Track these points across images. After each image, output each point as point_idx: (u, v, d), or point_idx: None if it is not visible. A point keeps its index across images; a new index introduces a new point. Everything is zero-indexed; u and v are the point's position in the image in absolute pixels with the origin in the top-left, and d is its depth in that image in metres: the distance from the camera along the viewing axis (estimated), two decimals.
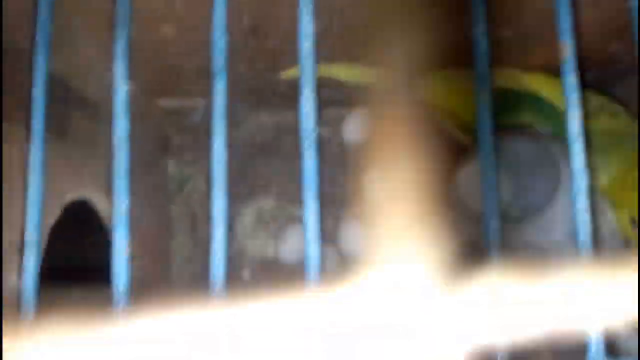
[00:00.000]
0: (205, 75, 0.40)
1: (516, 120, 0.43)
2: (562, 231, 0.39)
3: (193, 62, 0.37)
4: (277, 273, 0.49)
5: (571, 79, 0.17)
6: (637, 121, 0.41)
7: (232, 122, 0.51)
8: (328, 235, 0.48)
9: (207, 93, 0.45)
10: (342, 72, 0.41)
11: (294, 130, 0.50)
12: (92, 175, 0.37)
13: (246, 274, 0.49)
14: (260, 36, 0.32)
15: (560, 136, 0.41)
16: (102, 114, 0.36)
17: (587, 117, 0.40)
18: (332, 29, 0.33)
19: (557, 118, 0.41)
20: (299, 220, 0.49)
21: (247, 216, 0.50)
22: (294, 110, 0.50)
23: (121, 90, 0.19)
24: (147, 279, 0.46)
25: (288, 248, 0.47)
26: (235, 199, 0.50)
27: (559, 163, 0.39)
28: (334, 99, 0.47)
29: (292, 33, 0.32)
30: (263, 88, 0.43)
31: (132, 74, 0.23)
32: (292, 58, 0.37)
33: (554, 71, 0.42)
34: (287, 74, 0.39)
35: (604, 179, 0.39)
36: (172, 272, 0.50)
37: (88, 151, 0.36)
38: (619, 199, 0.39)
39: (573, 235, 0.37)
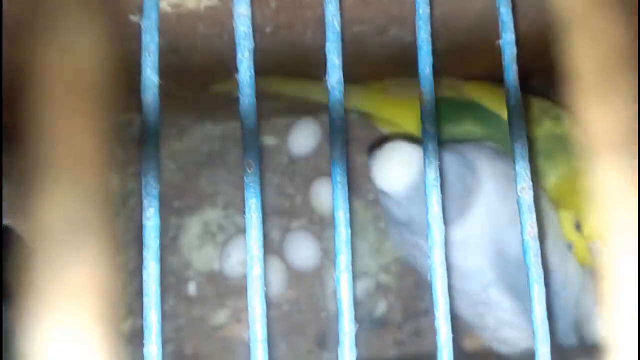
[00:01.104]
0: (132, 91, 0.40)
1: (458, 130, 0.42)
2: (480, 251, 0.38)
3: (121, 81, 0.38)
4: (224, 287, 0.49)
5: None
6: None
7: (176, 133, 0.51)
8: (274, 247, 0.48)
9: (137, 108, 0.45)
10: (283, 85, 0.41)
11: (240, 141, 0.50)
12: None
13: (192, 287, 0.49)
14: (183, 55, 0.33)
15: (503, 145, 0.41)
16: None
17: (531, 122, 0.42)
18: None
19: (500, 126, 0.41)
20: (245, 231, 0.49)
21: (193, 227, 0.49)
22: (239, 121, 0.50)
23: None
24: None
25: (232, 261, 0.47)
26: (180, 209, 0.49)
27: (477, 176, 0.38)
28: (280, 108, 0.47)
29: (212, 51, 0.33)
30: (201, 101, 0.43)
31: None
32: (222, 73, 0.38)
33: (493, 79, 0.44)
34: (218, 88, 0.39)
35: (548, 183, 0.40)
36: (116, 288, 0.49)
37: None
38: (563, 203, 0.40)
39: (497, 255, 0.37)
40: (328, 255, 0.49)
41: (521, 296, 0.38)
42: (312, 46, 0.35)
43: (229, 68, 0.38)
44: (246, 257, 0.47)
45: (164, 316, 0.47)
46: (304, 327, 0.48)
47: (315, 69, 0.40)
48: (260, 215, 0.18)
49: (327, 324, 0.48)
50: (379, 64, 0.39)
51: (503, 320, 0.40)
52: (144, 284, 0.19)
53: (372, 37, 0.34)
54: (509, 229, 0.37)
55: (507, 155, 0.42)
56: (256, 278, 0.18)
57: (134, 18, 0.28)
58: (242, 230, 0.50)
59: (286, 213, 0.49)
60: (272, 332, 0.48)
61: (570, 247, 0.40)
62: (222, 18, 0.30)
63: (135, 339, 0.48)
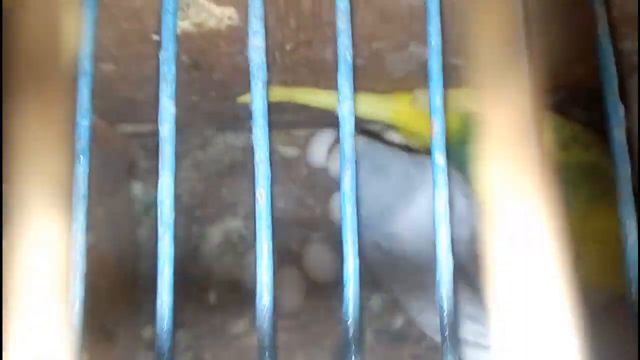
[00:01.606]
0: (154, 104, 0.41)
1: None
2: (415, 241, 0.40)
3: (142, 94, 0.39)
4: (243, 296, 0.49)
5: (435, 85, 0.18)
6: (605, 152, 0.42)
7: (199, 144, 0.52)
8: (293, 258, 0.48)
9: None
10: (303, 96, 0.42)
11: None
12: None
13: (212, 296, 0.49)
14: (206, 70, 0.35)
15: None
16: None
17: (559, 147, 0.41)
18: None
19: None
20: None
21: (214, 236, 0.50)
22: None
23: (83, 125, 0.20)
24: (112, 299, 0.46)
25: (251, 271, 0.48)
26: (202, 219, 0.50)
27: (423, 182, 0.40)
28: (300, 120, 0.48)
29: (232, 65, 0.34)
30: (224, 112, 0.44)
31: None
32: (244, 86, 0.39)
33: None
34: (242, 99, 0.40)
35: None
36: (139, 294, 0.50)
37: None
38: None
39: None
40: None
41: (476, 286, 0.39)
42: (331, 62, 0.36)
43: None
44: None
45: (183, 324, 0.47)
46: (321, 339, 0.48)
47: (335, 83, 0.41)
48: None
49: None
50: (400, 79, 0.39)
51: (463, 311, 0.40)
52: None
53: (390, 53, 0.34)
54: (454, 227, 0.39)
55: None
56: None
57: (156, 37, 0.29)
58: None
59: (306, 224, 0.49)
60: (290, 342, 0.48)
61: None
62: (242, 35, 0.31)
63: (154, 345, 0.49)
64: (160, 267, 0.19)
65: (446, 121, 0.44)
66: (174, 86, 0.18)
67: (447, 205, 0.18)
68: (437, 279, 0.19)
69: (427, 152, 0.46)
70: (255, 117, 0.18)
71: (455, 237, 0.40)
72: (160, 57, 0.19)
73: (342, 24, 0.19)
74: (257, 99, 0.18)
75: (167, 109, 0.18)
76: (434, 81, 0.19)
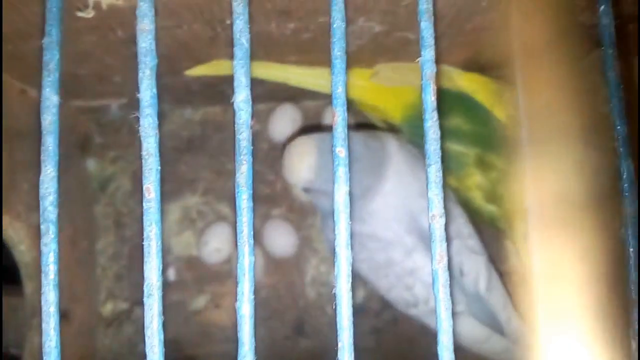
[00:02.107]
0: (101, 78, 0.39)
1: (446, 123, 0.40)
2: (397, 219, 0.40)
3: (85, 69, 0.37)
4: (204, 272, 0.49)
5: (429, 104, 0.17)
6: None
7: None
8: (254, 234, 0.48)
9: (113, 93, 0.44)
10: (261, 71, 0.41)
11: (221, 126, 0.50)
12: None
13: (171, 273, 0.49)
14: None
15: (490, 144, 0.41)
16: None
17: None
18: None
19: (489, 124, 0.41)
20: (226, 218, 0.49)
21: (173, 213, 0.49)
22: (220, 106, 0.50)
23: (51, 104, 0.18)
24: (71, 280, 0.45)
25: (211, 247, 0.47)
26: (160, 195, 0.49)
27: (387, 150, 0.41)
28: (259, 94, 0.46)
29: (172, 39, 0.33)
30: (175, 87, 0.43)
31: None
32: (190, 60, 0.38)
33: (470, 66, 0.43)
34: (192, 72, 0.39)
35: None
36: (97, 272, 0.49)
37: None
38: (522, 211, 0.40)
39: (412, 223, 0.40)
40: (307, 243, 0.48)
41: None
42: (277, 35, 0.34)
43: (197, 55, 0.37)
44: (223, 244, 0.47)
45: (140, 302, 0.47)
46: (282, 314, 0.48)
47: (284, 57, 0.40)
48: (159, 243, 0.17)
49: (305, 311, 0.48)
50: (353, 54, 0.38)
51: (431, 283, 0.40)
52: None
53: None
54: (418, 199, 0.40)
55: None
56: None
57: (80, 13, 0.28)
58: (221, 217, 0.50)
59: (266, 200, 0.49)
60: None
61: (517, 252, 0.40)
62: (178, 10, 0.30)
63: (115, 321, 0.49)
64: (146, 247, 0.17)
65: (404, 96, 0.43)
66: (57, 76, 0.17)
67: (347, 198, 0.17)
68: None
69: (387, 126, 0.45)
70: (142, 106, 0.17)
71: (420, 209, 0.40)
72: (44, 44, 0.18)
73: None
74: (145, 88, 0.17)
75: (51, 99, 0.17)
76: (426, 52, 0.17)
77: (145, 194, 0.17)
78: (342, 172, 0.17)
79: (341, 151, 0.17)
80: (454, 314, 0.41)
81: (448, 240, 0.35)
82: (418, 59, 0.18)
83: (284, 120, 0.48)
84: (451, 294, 0.16)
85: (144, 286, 0.17)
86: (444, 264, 0.16)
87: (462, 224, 0.42)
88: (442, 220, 0.17)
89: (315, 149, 0.39)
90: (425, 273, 0.40)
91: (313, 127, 0.49)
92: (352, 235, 0.42)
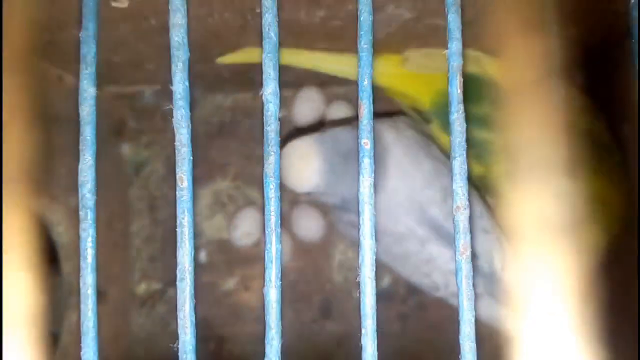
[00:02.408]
0: (135, 65, 0.40)
1: (478, 111, 0.40)
2: (405, 212, 0.40)
3: (120, 56, 0.38)
4: (234, 255, 0.50)
5: (454, 96, 0.17)
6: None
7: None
8: (282, 219, 0.49)
9: (146, 80, 0.45)
10: (290, 57, 0.41)
11: (251, 112, 0.50)
12: None
13: (202, 256, 0.50)
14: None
15: None
16: None
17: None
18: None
19: None
20: (255, 202, 0.50)
21: (204, 198, 0.50)
22: (250, 92, 0.51)
23: (88, 95, 0.18)
24: (107, 262, 0.47)
25: (241, 231, 0.48)
26: (192, 183, 0.50)
27: (383, 143, 0.39)
28: (286, 80, 0.47)
29: (204, 28, 0.33)
30: (206, 74, 0.43)
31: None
32: (221, 48, 0.38)
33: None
34: (224, 59, 0.39)
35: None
36: (131, 254, 0.51)
37: None
38: None
39: (422, 213, 0.39)
40: (334, 228, 0.49)
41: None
42: (306, 23, 0.35)
43: (228, 43, 0.38)
44: (253, 228, 0.48)
45: (176, 282, 0.49)
46: (309, 297, 0.49)
47: (314, 44, 0.40)
48: (191, 229, 0.18)
49: (332, 295, 0.49)
50: (381, 40, 0.38)
51: (449, 270, 0.41)
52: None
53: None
54: (424, 190, 0.40)
55: (422, 127, 0.44)
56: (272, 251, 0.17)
57: (115, 4, 0.28)
58: (250, 202, 0.51)
59: None
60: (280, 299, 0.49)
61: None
62: (209, 0, 0.30)
63: (149, 301, 0.51)
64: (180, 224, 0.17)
65: (434, 83, 0.43)
66: (94, 69, 0.18)
67: (372, 189, 0.18)
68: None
69: (416, 113, 0.45)
70: (175, 98, 0.18)
71: (428, 199, 0.40)
72: (81, 37, 0.18)
73: None
74: (177, 81, 0.18)
75: (88, 91, 0.18)
76: (452, 47, 0.17)
77: (179, 182, 0.17)
78: (367, 163, 0.18)
79: (367, 143, 0.18)
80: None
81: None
82: (446, 51, 0.18)
83: (308, 105, 0.48)
84: (474, 285, 0.17)
85: (177, 270, 0.18)
86: (467, 256, 0.17)
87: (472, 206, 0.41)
88: (467, 212, 0.17)
89: (317, 151, 0.38)
90: (442, 261, 0.40)
91: (305, 128, 0.48)
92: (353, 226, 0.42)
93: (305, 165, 0.37)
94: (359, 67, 0.18)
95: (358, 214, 0.18)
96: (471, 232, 0.40)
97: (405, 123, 0.43)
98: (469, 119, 0.44)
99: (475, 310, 0.18)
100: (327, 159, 0.38)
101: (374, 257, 0.17)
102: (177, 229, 0.17)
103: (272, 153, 0.18)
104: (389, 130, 0.41)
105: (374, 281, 0.17)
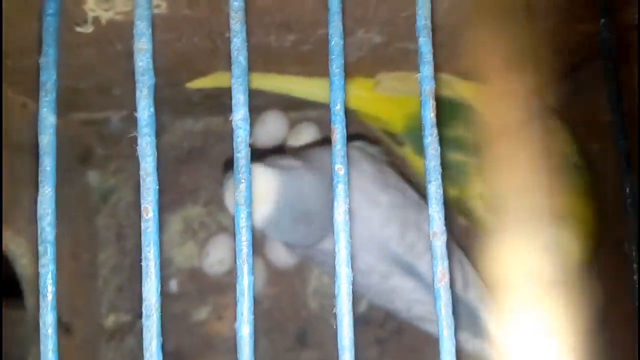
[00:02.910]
0: (101, 91, 0.39)
1: (450, 134, 0.40)
2: (365, 251, 0.39)
3: (86, 82, 0.37)
4: (206, 284, 0.48)
5: (427, 120, 0.17)
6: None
7: (156, 130, 0.50)
8: (255, 245, 0.48)
9: (113, 106, 0.44)
10: (262, 82, 0.41)
11: (222, 136, 0.50)
12: None
13: (173, 285, 0.49)
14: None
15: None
16: None
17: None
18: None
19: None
20: (227, 228, 0.49)
21: (174, 224, 0.49)
22: (221, 116, 0.50)
23: (48, 124, 0.17)
24: (73, 293, 0.45)
25: (213, 259, 0.47)
26: (162, 206, 0.49)
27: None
28: (255, 104, 0.46)
29: (172, 52, 0.33)
30: (176, 99, 0.43)
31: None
32: (190, 72, 0.38)
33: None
34: (194, 84, 0.39)
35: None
36: (99, 284, 0.49)
37: None
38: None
39: (382, 250, 0.38)
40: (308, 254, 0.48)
41: (418, 275, 0.40)
42: (276, 47, 0.34)
43: (197, 68, 0.37)
44: (225, 255, 0.47)
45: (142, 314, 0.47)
46: (284, 325, 0.48)
47: (284, 68, 0.40)
48: (158, 263, 0.17)
49: (308, 322, 0.48)
50: (352, 64, 0.38)
51: (411, 299, 0.41)
52: None
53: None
54: (382, 229, 0.39)
55: (374, 155, 0.43)
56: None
57: (79, 29, 0.28)
58: (223, 228, 0.50)
59: None
60: (253, 328, 0.48)
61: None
62: (176, 24, 0.30)
63: (118, 334, 0.49)
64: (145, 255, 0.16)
65: (406, 106, 0.43)
66: (54, 96, 0.17)
67: (347, 217, 0.17)
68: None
69: (389, 137, 0.45)
70: (140, 125, 0.17)
71: (387, 237, 0.39)
72: (40, 64, 0.17)
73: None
74: (142, 107, 0.17)
75: (48, 119, 0.17)
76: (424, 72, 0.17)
77: (144, 213, 0.16)
78: (341, 189, 0.17)
79: (340, 168, 0.17)
80: (432, 321, 0.41)
81: (417, 254, 0.34)
82: (417, 75, 0.18)
83: (272, 128, 0.47)
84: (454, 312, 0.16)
85: (143, 307, 0.17)
86: (445, 282, 0.16)
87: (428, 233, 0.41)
88: (444, 238, 0.17)
89: (274, 196, 0.34)
90: (404, 291, 0.40)
91: (268, 151, 0.46)
92: (324, 263, 0.41)
93: (258, 197, 0.34)
94: (331, 91, 0.18)
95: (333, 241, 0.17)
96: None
97: (360, 153, 0.42)
98: (442, 141, 0.44)
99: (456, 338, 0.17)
100: (286, 201, 0.35)
101: (351, 287, 0.17)
102: (143, 262, 0.17)
103: (243, 180, 0.17)
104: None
105: (351, 313, 0.16)
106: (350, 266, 0.17)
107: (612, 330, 0.33)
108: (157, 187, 0.17)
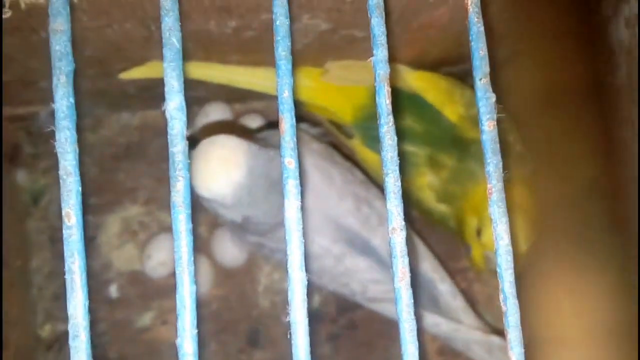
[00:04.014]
0: (27, 84, 0.36)
1: (398, 125, 0.39)
2: (319, 232, 0.38)
3: (9, 75, 0.34)
4: (148, 288, 0.46)
5: (383, 107, 0.16)
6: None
7: (90, 125, 0.47)
8: (201, 244, 0.45)
9: (40, 100, 0.41)
10: (202, 71, 0.38)
11: (161, 131, 0.47)
12: None
13: (113, 290, 0.46)
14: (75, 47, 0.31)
15: (442, 145, 0.40)
16: None
17: (471, 123, 0.40)
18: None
19: (440, 125, 0.40)
20: (170, 228, 0.46)
21: (112, 226, 0.46)
22: (159, 110, 0.47)
23: None
24: (6, 303, 0.41)
25: (156, 261, 0.44)
26: (98, 207, 0.46)
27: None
28: (195, 95, 0.44)
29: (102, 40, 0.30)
30: (109, 90, 0.40)
31: None
32: (124, 62, 0.35)
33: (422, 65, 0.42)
34: (127, 75, 0.36)
35: (473, 187, 0.39)
36: (33, 292, 0.46)
37: None
38: (471, 207, 0.39)
39: (337, 230, 0.38)
40: (257, 250, 0.47)
41: (372, 252, 0.39)
42: (217, 34, 0.32)
43: (131, 57, 0.35)
44: (168, 257, 0.45)
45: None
46: (235, 326, 0.46)
47: (225, 57, 0.37)
48: (84, 276, 0.15)
49: (259, 322, 0.46)
50: (298, 52, 0.37)
51: (366, 279, 0.40)
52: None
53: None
54: (338, 204, 0.38)
55: (318, 136, 0.43)
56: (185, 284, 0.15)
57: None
58: (165, 228, 0.47)
59: None
60: (202, 331, 0.46)
61: (469, 250, 0.40)
62: (107, 8, 0.27)
63: (55, 344, 0.46)
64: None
65: (355, 96, 0.42)
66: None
67: (299, 214, 0.16)
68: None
69: (337, 128, 0.43)
70: (58, 118, 0.15)
71: (342, 211, 0.39)
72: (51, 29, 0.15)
73: None
74: (60, 97, 0.15)
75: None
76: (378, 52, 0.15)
77: (65, 219, 0.14)
78: (292, 185, 0.16)
79: (290, 162, 0.16)
80: (390, 301, 0.41)
81: (371, 228, 0.32)
82: (370, 58, 0.17)
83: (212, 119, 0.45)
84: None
85: (69, 326, 0.15)
86: (406, 282, 0.15)
87: (380, 207, 0.40)
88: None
89: (245, 160, 0.31)
90: (358, 271, 0.40)
91: (238, 127, 0.44)
92: (273, 251, 0.40)
93: (221, 169, 0.31)
94: (278, 77, 0.16)
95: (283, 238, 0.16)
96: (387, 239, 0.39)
97: (308, 134, 0.41)
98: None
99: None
100: (252, 177, 0.32)
101: (305, 290, 0.15)
102: (67, 276, 0.14)
103: (180, 178, 0.15)
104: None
105: (307, 319, 0.15)
106: (304, 269, 0.15)
107: None
108: (80, 189, 0.15)
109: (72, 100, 0.15)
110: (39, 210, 0.46)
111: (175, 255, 0.15)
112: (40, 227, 0.46)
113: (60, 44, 0.15)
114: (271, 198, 0.34)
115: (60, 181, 0.15)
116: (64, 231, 0.15)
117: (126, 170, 0.47)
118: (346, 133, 0.42)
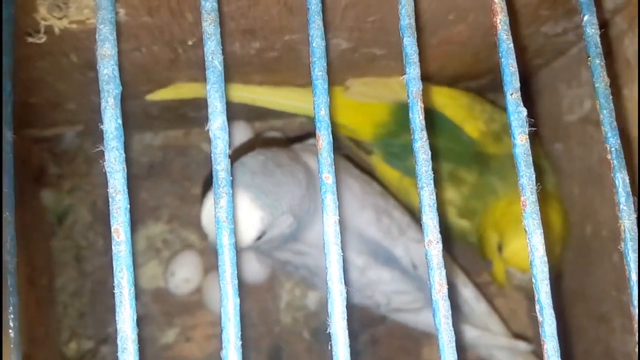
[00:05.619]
0: (54, 106, 0.37)
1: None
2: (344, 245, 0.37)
3: (37, 97, 0.35)
4: (172, 305, 0.46)
5: (412, 73, 0.16)
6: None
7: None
8: None
9: (68, 121, 0.42)
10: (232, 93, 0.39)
11: (183, 150, 0.48)
12: None
13: (137, 307, 0.46)
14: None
15: (461, 161, 0.40)
16: None
17: (492, 139, 0.40)
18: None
19: (460, 141, 0.40)
20: (193, 245, 0.47)
21: (136, 244, 0.47)
22: (181, 129, 0.48)
23: (6, 140, 0.16)
24: (31, 321, 0.42)
25: (179, 278, 0.45)
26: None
27: (311, 173, 0.37)
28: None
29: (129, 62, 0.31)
30: (136, 112, 0.41)
31: None
32: (150, 84, 0.36)
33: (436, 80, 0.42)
34: (153, 96, 0.37)
35: (493, 202, 0.39)
36: (58, 311, 0.46)
37: None
38: (492, 223, 0.39)
39: (360, 242, 0.38)
40: (279, 266, 0.47)
41: (395, 262, 0.40)
42: (241, 55, 0.33)
43: (156, 78, 0.36)
44: (191, 274, 0.45)
45: (109, 339, 0.44)
46: (257, 342, 0.47)
47: (249, 77, 0.38)
48: (132, 290, 0.15)
49: (281, 338, 0.47)
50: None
51: (390, 291, 0.40)
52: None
53: (305, 44, 0.32)
54: (360, 215, 0.38)
55: (336, 151, 0.42)
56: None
57: (31, 39, 0.26)
58: (187, 245, 0.48)
59: None
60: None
61: (489, 265, 0.40)
62: (136, 32, 0.28)
63: None
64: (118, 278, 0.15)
65: (375, 113, 0.43)
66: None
67: (337, 228, 0.16)
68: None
69: (357, 145, 0.44)
70: (107, 139, 0.15)
71: (365, 220, 0.39)
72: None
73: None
74: (108, 119, 0.15)
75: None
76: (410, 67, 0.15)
77: (114, 235, 0.15)
78: (330, 199, 0.16)
79: (328, 177, 0.16)
80: (414, 311, 0.41)
81: (393, 238, 0.32)
82: (403, 77, 0.17)
83: (237, 139, 0.46)
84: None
85: (118, 339, 0.15)
86: (444, 294, 0.15)
87: (399, 217, 0.40)
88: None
89: (256, 197, 0.32)
90: (381, 282, 0.40)
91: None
92: (297, 268, 0.40)
93: (247, 220, 0.31)
94: (314, 95, 0.16)
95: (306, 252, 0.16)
96: (407, 246, 0.39)
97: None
98: (409, 148, 0.43)
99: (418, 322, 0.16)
100: (265, 195, 0.32)
101: (345, 305, 0.16)
102: (115, 290, 0.15)
103: (224, 195, 0.16)
104: (311, 156, 0.38)
105: (347, 331, 0.15)
106: (343, 282, 0.16)
107: None
108: (129, 207, 0.15)
109: (119, 121, 0.16)
110: (63, 230, 0.47)
111: (219, 269, 0.16)
112: (65, 246, 0.47)
113: (108, 68, 0.16)
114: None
115: (110, 199, 0.15)
116: (112, 247, 0.15)
117: (149, 189, 0.47)
118: (365, 149, 0.43)
